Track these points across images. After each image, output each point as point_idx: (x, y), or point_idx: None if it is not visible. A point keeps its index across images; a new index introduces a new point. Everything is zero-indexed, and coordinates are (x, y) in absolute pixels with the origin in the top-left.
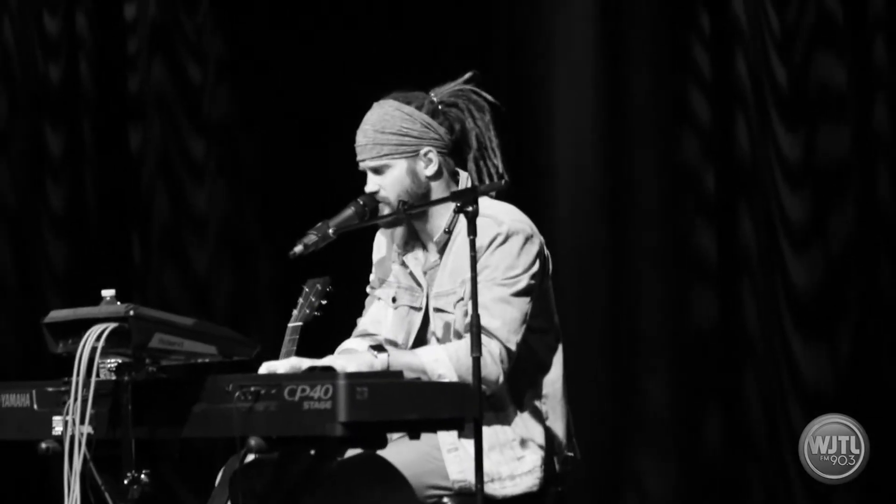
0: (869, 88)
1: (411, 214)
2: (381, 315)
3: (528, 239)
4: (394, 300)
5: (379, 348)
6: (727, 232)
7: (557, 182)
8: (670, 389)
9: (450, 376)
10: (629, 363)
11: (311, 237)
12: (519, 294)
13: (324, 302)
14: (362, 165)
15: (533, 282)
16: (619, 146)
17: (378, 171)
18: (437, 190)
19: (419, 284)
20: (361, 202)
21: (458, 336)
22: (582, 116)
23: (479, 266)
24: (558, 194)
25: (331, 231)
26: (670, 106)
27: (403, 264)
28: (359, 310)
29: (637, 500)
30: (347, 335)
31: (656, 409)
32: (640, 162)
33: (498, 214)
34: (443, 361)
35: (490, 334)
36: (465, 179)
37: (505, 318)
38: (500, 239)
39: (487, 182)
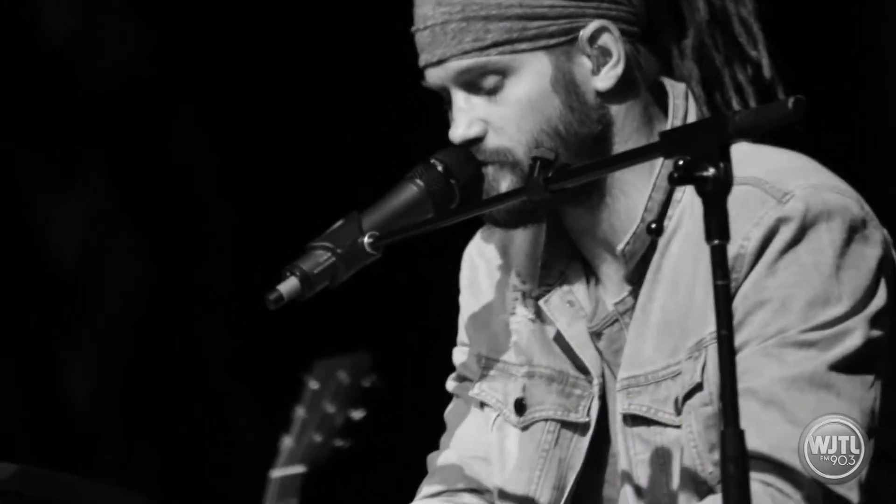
0: None
1: (563, 192)
2: (485, 439)
3: (853, 229)
4: (519, 408)
5: None
6: None
7: None
8: None
9: None
10: None
11: (313, 261)
12: (847, 365)
13: (355, 416)
14: (434, 77)
15: (877, 331)
16: None
17: (476, 85)
18: (625, 122)
19: (581, 366)
20: (440, 166)
21: (702, 487)
22: None
23: (739, 302)
24: None
25: (366, 240)
26: None
27: (538, 317)
28: (437, 423)
29: None
30: (416, 481)
31: None
32: None
33: (775, 176)
34: None
35: (785, 477)
36: (680, 100)
37: None
38: (787, 234)
39: (737, 105)
